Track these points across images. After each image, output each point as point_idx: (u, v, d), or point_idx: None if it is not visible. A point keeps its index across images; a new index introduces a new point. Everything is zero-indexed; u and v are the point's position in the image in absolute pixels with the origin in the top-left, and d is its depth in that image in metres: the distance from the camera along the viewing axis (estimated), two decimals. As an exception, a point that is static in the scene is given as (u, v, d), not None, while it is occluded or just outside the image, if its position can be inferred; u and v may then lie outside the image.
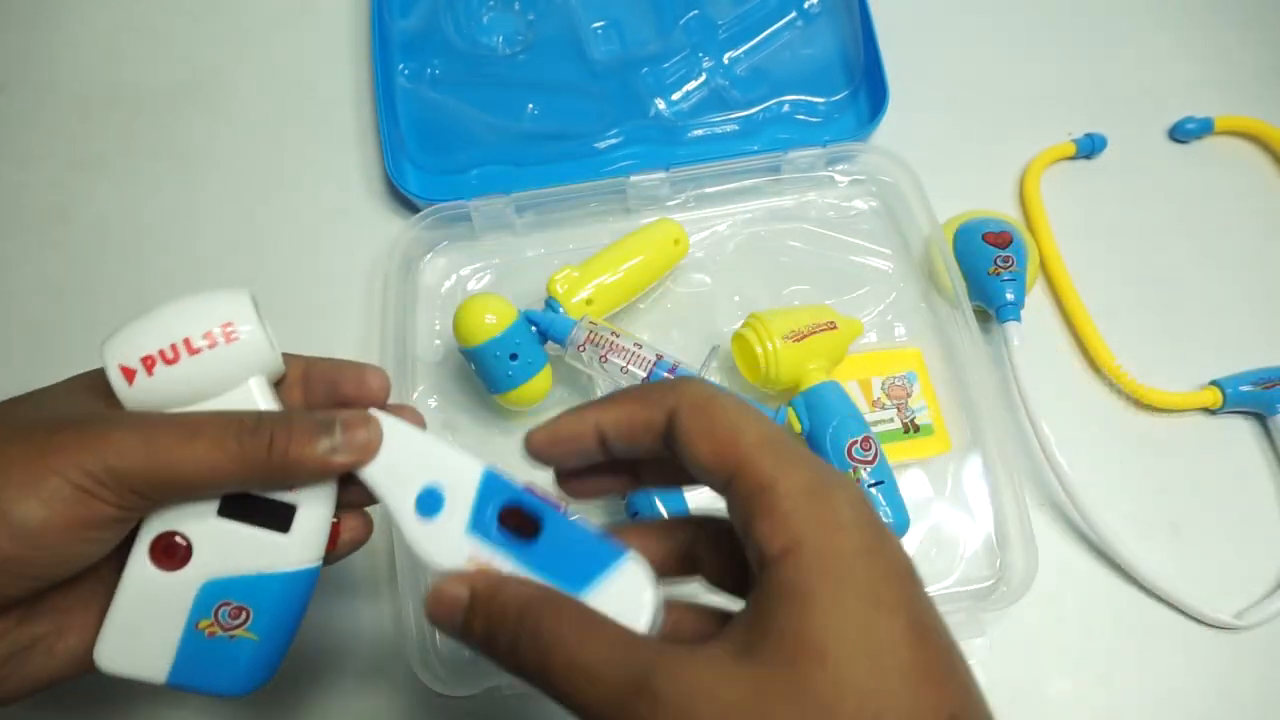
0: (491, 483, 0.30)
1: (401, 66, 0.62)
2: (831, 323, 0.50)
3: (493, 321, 0.48)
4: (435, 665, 0.46)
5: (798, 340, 0.49)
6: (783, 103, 0.61)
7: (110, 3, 0.67)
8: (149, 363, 0.30)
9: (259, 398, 0.32)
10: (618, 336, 0.49)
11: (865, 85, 0.61)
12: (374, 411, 0.32)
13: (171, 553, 0.32)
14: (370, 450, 0.31)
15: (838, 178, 0.59)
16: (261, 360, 0.32)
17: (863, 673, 0.21)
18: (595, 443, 0.29)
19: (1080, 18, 0.66)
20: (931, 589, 0.45)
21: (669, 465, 0.28)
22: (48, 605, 0.31)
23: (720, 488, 0.26)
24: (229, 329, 0.31)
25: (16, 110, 0.64)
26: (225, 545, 0.32)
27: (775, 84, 0.62)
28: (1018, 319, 0.52)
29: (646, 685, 0.22)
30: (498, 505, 0.30)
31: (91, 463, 0.28)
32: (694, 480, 0.28)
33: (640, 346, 0.49)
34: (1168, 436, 0.53)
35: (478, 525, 0.30)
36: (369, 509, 0.36)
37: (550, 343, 0.50)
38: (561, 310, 0.50)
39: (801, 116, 0.62)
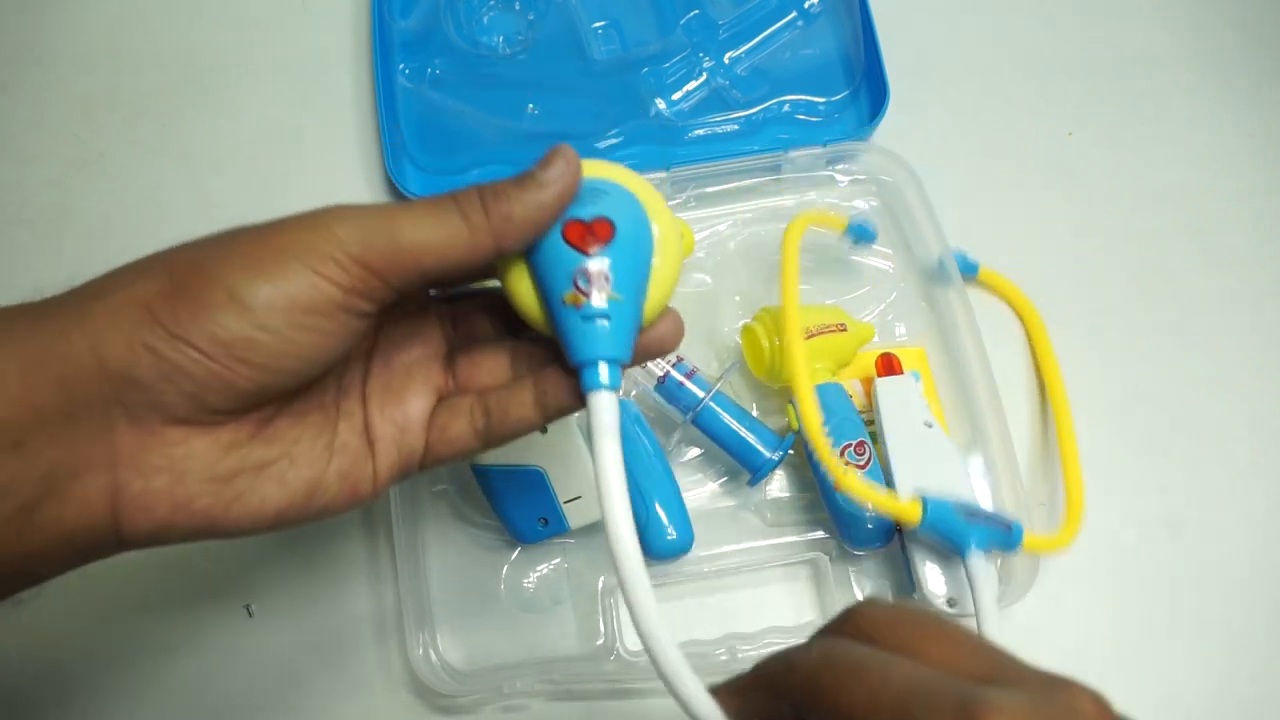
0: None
1: (402, 66, 0.62)
2: (842, 325, 0.50)
3: None
4: (436, 668, 0.46)
5: (805, 338, 0.49)
6: (783, 102, 0.61)
7: (111, 2, 0.67)
8: None
9: None
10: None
11: (865, 85, 0.61)
12: None
13: None
14: (573, 174, 0.31)
15: (838, 177, 0.59)
16: None
17: None
18: None
19: (1081, 17, 0.66)
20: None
21: None
22: (278, 431, 0.31)
23: None
24: None
25: (17, 110, 0.64)
26: None
27: (775, 84, 0.62)
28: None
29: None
30: None
31: (318, 241, 0.28)
32: None
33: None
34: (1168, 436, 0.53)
35: None
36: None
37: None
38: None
39: (802, 116, 0.61)
